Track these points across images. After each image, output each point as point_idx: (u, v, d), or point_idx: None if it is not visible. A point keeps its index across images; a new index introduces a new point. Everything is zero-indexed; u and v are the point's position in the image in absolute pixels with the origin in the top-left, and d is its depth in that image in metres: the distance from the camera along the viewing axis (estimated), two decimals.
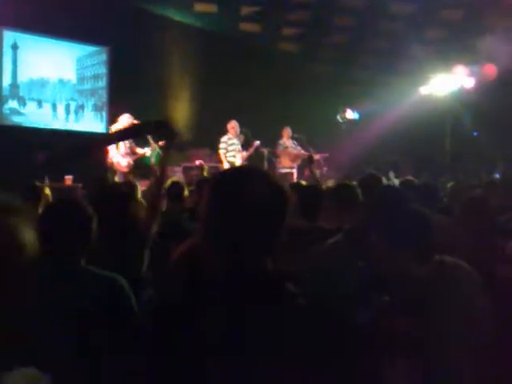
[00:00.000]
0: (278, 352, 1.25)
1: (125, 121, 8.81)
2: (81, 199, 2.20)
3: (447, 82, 11.56)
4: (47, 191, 7.13)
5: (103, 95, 11.20)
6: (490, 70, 10.61)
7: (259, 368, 1.25)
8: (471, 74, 11.21)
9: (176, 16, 11.61)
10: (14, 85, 10.06)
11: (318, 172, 10.58)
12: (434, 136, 11.60)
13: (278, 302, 1.30)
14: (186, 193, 5.24)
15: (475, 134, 11.86)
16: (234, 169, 1.90)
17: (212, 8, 11.19)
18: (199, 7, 11.17)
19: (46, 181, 8.19)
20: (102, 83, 11.22)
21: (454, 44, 11.03)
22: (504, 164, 10.18)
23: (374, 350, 1.64)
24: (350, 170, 10.37)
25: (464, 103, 11.30)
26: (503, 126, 11.10)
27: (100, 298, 2.08)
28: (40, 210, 2.76)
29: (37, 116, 10.30)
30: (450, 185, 6.02)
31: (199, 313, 1.30)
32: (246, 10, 11.28)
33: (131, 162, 8.85)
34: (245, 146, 10.18)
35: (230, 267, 1.32)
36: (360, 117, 12.04)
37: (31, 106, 10.27)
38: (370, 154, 11.38)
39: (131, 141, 8.92)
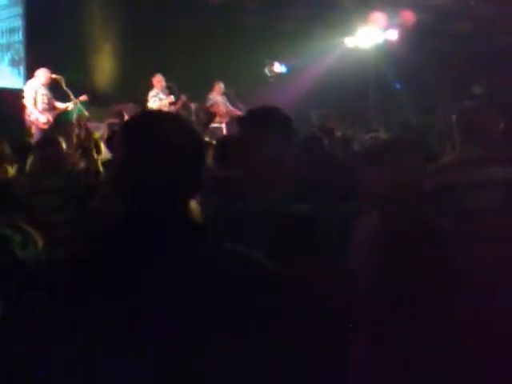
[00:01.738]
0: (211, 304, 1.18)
1: (42, 75, 8.49)
2: None
3: (372, 34, 11.69)
4: None
5: (20, 49, 10.69)
6: (408, 16, 10.78)
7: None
8: (390, 22, 11.34)
9: None
10: None
11: None
12: (359, 88, 11.79)
13: (198, 250, 1.22)
14: None
15: (397, 86, 12.13)
16: (145, 112, 1.80)
17: None
18: None
19: None
20: (19, 37, 10.70)
21: None
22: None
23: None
24: None
25: (387, 55, 11.49)
26: (423, 78, 11.40)
27: None
28: None
29: None
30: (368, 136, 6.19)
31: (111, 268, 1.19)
32: None
33: (50, 119, 8.56)
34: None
35: (142, 215, 1.24)
36: (287, 70, 12.04)
37: None
38: (296, 107, 11.45)
39: (50, 96, 8.63)
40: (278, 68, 11.75)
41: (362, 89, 11.81)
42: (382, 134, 6.06)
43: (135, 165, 1.26)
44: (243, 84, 10.88)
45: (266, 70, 11.70)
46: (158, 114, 1.40)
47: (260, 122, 1.92)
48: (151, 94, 9.78)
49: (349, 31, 11.96)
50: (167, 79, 9.87)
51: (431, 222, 2.22)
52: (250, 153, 2.00)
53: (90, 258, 1.22)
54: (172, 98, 9.85)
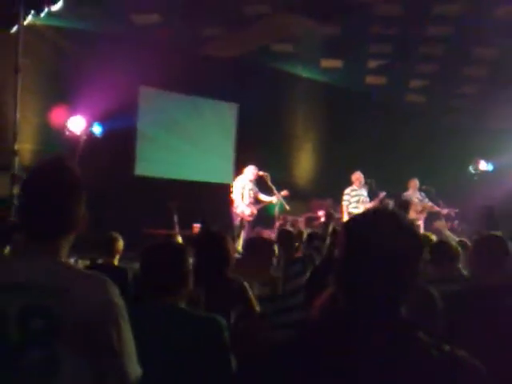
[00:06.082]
0: None
1: (250, 172, 9.12)
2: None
3: None
4: (179, 239, 7.57)
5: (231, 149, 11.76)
6: None
7: None
8: None
9: (303, 73, 11.99)
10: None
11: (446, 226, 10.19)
12: None
13: (410, 352, 1.25)
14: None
15: None
16: (366, 214, 1.85)
17: (338, 63, 11.42)
18: (326, 63, 11.46)
19: (177, 229, 8.67)
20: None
21: None
22: None
23: None
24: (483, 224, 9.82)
25: None
26: None
27: (201, 338, 2.07)
28: None
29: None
30: None
31: (324, 364, 1.27)
32: (372, 64, 11.36)
33: (255, 212, 9.09)
34: (370, 196, 10.07)
35: (363, 316, 1.28)
36: (494, 168, 11.41)
37: None
38: (505, 206, 10.69)
39: (256, 190, 9.20)
40: (484, 166, 11.20)
41: None
42: None
43: (355, 265, 1.29)
44: (446, 182, 10.57)
45: (471, 168, 11.23)
46: (380, 213, 1.39)
47: None
48: (346, 191, 9.88)
49: None
50: (367, 177, 9.96)
51: None
52: None
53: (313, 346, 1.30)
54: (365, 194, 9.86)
